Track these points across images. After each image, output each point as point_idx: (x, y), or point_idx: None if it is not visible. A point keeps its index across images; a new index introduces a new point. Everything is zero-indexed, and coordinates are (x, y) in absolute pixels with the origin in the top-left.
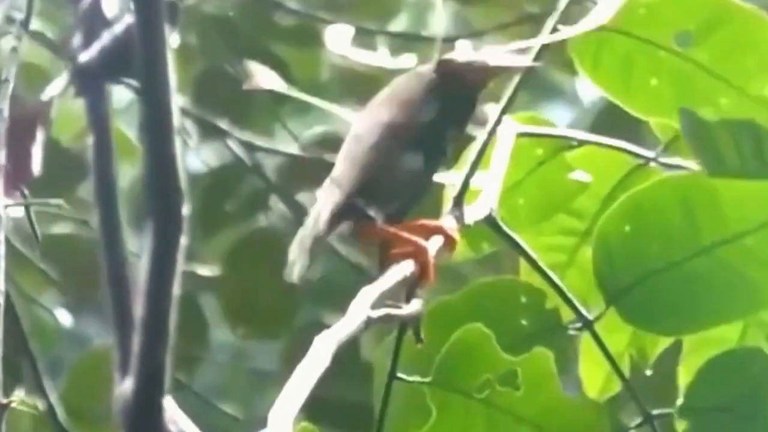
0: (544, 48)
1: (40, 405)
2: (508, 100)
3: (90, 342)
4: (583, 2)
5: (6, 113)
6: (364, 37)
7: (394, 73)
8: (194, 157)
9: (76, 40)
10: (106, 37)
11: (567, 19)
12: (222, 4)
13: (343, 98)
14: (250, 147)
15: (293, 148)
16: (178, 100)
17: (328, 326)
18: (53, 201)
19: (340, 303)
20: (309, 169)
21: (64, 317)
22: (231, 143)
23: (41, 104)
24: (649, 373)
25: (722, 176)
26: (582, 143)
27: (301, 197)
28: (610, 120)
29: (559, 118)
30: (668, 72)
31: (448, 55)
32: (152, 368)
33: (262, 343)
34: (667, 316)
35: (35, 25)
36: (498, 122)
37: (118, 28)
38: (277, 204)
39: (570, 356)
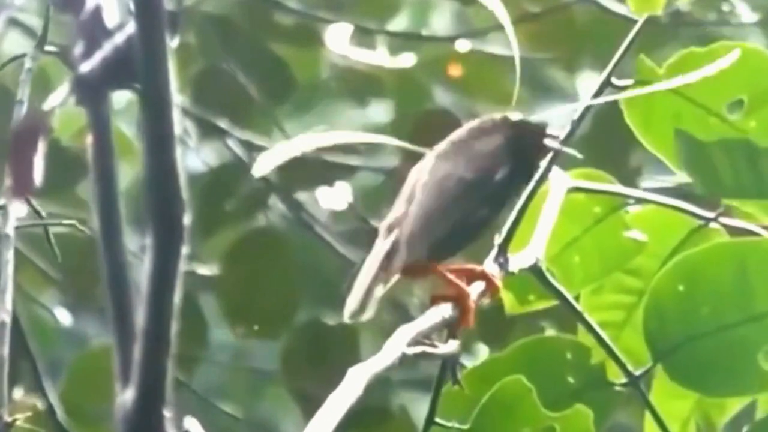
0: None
1: (40, 404)
2: (555, 153)
3: (89, 341)
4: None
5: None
6: (364, 37)
7: (393, 72)
8: (194, 156)
9: (78, 49)
10: (107, 47)
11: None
12: (221, 3)
13: (342, 97)
14: (249, 146)
15: None
16: (178, 103)
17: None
18: (66, 221)
19: (340, 303)
20: (308, 169)
21: (64, 316)
22: (230, 142)
23: (43, 114)
24: None
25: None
26: (640, 201)
27: (300, 197)
28: (611, 120)
29: (559, 119)
30: (715, 137)
31: (521, 117)
32: (153, 377)
33: (261, 342)
34: (713, 378)
35: (35, 23)
36: (546, 173)
37: (120, 38)
38: (276, 203)
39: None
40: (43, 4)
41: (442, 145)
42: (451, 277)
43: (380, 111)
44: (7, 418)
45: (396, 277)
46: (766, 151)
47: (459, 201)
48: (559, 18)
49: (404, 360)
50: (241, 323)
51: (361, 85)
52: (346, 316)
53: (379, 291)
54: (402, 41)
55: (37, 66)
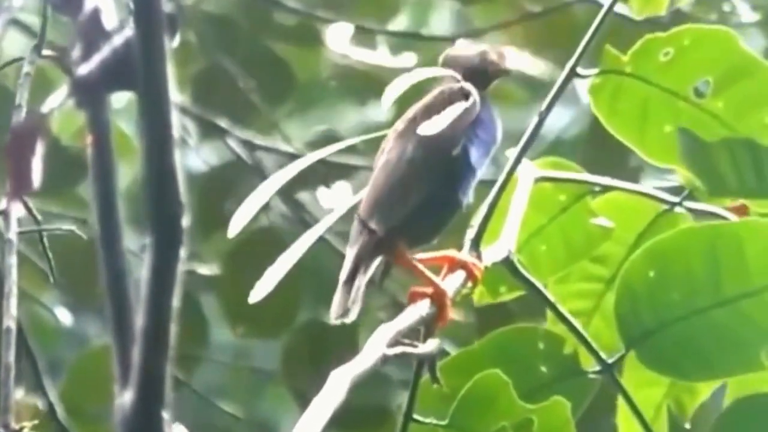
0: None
1: (40, 404)
2: (526, 143)
3: (89, 341)
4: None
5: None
6: (365, 36)
7: (393, 71)
8: (194, 156)
9: (76, 52)
10: (105, 50)
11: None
12: (221, 2)
13: (343, 96)
14: (249, 146)
15: (293, 147)
16: (178, 103)
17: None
18: (65, 227)
19: None
20: (309, 169)
21: (64, 316)
22: (231, 142)
23: (41, 116)
24: (687, 426)
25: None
26: (605, 188)
27: (301, 196)
28: None
29: (557, 117)
30: (684, 120)
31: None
32: (152, 380)
33: (262, 342)
34: (686, 362)
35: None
36: (516, 165)
37: (118, 41)
38: (276, 203)
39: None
40: (42, 4)
41: (401, 123)
42: (429, 274)
43: (380, 111)
44: (15, 426)
45: (374, 266)
46: None
47: (412, 183)
48: (559, 18)
49: (385, 361)
50: (240, 322)
51: (361, 85)
52: (333, 319)
53: (362, 285)
54: (402, 41)
55: (36, 67)
